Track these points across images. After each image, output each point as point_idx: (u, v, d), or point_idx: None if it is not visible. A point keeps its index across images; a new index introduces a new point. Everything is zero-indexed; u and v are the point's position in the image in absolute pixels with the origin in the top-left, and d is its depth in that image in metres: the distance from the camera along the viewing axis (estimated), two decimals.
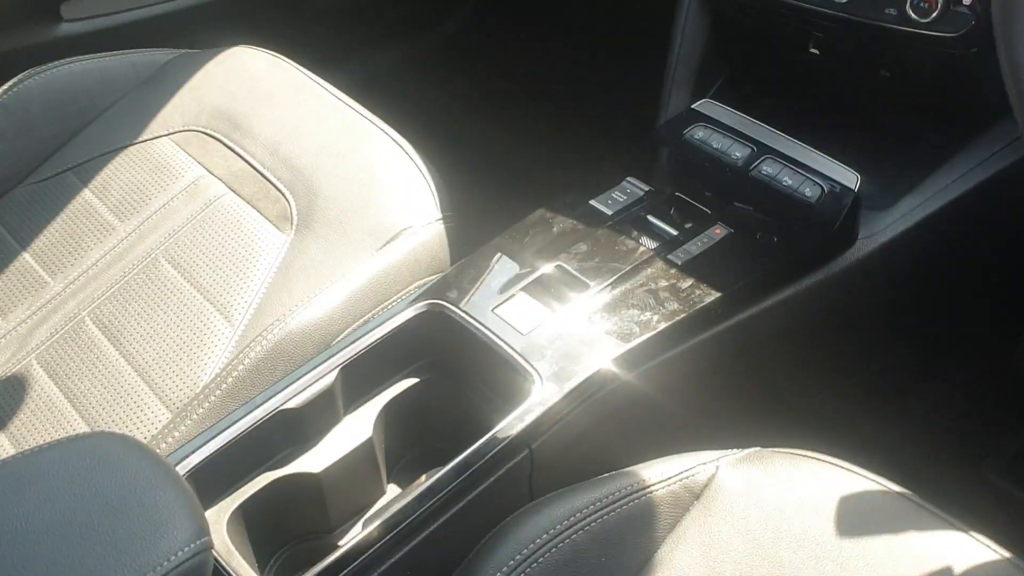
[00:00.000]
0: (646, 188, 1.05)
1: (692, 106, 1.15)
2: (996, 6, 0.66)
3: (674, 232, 0.99)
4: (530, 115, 1.66)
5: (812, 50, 1.17)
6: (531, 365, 0.85)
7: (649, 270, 0.95)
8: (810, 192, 1.02)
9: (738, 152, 1.08)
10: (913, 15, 1.00)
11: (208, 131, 1.18)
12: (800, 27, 1.12)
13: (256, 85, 1.22)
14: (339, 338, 0.95)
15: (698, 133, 1.11)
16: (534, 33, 1.77)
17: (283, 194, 1.10)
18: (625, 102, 1.35)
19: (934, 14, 0.99)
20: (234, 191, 1.12)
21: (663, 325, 0.89)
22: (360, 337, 0.89)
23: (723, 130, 1.11)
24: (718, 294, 0.92)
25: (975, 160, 1.06)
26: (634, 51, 1.45)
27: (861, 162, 1.08)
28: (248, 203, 1.10)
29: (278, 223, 1.08)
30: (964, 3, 0.98)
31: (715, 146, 1.09)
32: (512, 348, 0.87)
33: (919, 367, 1.29)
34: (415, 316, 0.91)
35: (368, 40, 1.67)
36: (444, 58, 1.74)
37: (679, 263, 0.95)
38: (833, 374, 1.16)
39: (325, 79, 1.23)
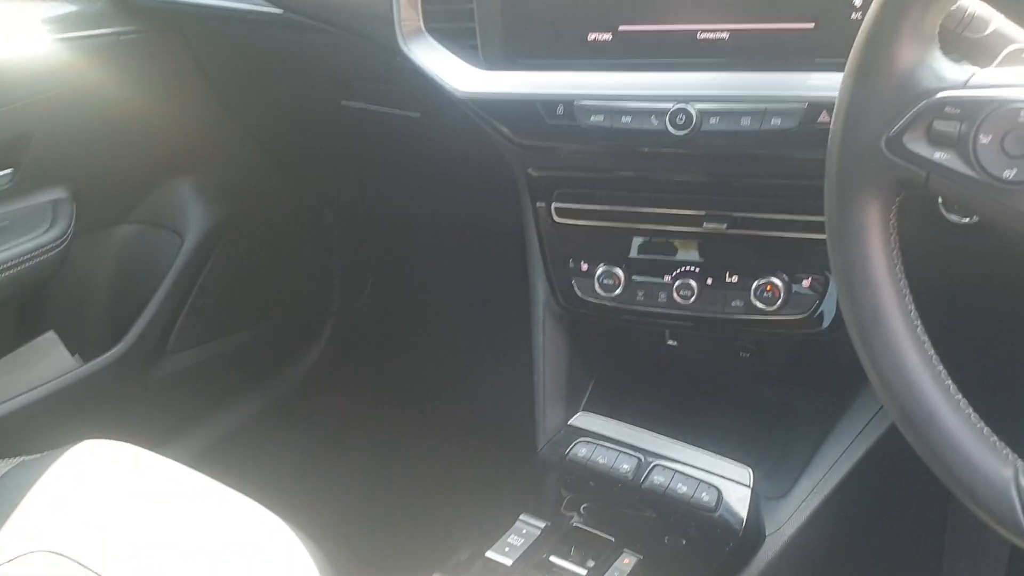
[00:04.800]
0: (542, 524, 0.99)
1: (569, 422, 1.13)
2: (851, 326, 0.66)
3: (582, 572, 0.93)
4: (403, 454, 1.61)
5: (670, 342, 1.19)
6: None
7: None
8: (707, 497, 0.99)
9: (625, 464, 1.04)
10: (759, 304, 1.03)
11: (57, 551, 1.06)
12: (654, 325, 1.14)
13: (110, 486, 1.12)
14: None
15: (581, 451, 1.08)
16: (393, 364, 1.75)
17: None
18: (503, 424, 1.32)
19: (779, 301, 1.02)
20: None
21: None
22: None
23: (606, 442, 1.08)
24: None
25: (856, 428, 1.06)
26: (503, 364, 1.45)
27: (747, 448, 1.07)
28: None
29: None
30: (804, 285, 1.02)
31: (601, 462, 1.06)
32: None
33: None
34: None
35: (220, 398, 1.62)
36: (301, 403, 1.69)
37: None
38: None
39: (182, 449, 1.15)
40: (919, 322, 0.64)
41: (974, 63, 0.73)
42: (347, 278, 1.80)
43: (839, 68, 0.66)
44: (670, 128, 0.94)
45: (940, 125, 0.61)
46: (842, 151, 0.65)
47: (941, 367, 0.64)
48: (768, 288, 1.02)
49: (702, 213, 1.04)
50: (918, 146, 0.62)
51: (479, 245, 1.56)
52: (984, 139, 0.60)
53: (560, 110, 1.00)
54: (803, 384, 1.17)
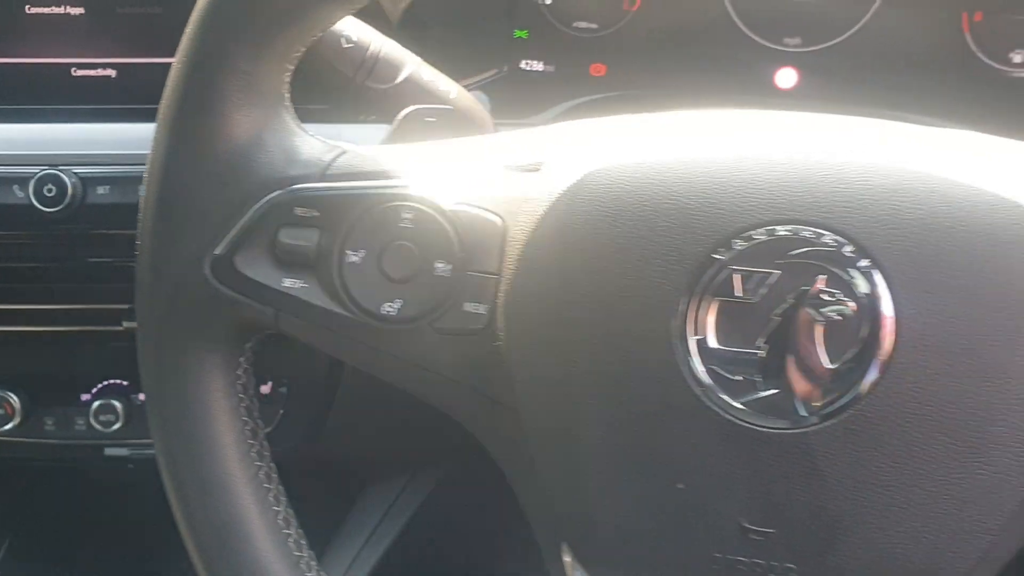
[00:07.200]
0: None
1: None
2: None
3: None
4: None
5: None
6: None
7: None
8: None
9: None
10: None
11: None
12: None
13: None
14: None
15: None
16: None
17: None
18: None
19: None
20: None
21: None
22: None
23: None
24: None
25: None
26: None
27: None
28: None
29: None
30: (264, 390, 0.81)
31: None
32: None
33: None
34: None
35: None
36: None
37: None
38: None
39: None
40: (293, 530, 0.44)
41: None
42: None
43: None
44: (37, 203, 0.66)
45: (289, 237, 0.40)
46: (152, 280, 0.42)
47: None
48: None
49: (123, 307, 0.78)
50: (259, 270, 0.41)
51: None
52: (353, 257, 0.40)
53: None
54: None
